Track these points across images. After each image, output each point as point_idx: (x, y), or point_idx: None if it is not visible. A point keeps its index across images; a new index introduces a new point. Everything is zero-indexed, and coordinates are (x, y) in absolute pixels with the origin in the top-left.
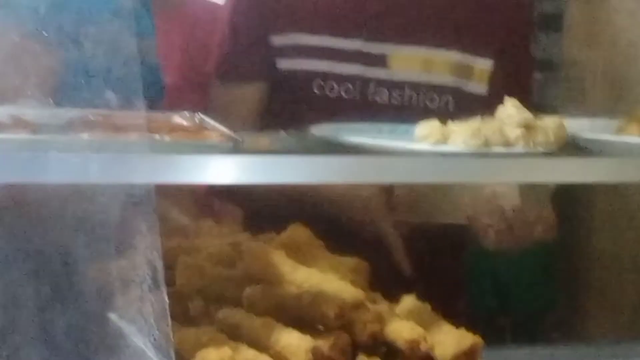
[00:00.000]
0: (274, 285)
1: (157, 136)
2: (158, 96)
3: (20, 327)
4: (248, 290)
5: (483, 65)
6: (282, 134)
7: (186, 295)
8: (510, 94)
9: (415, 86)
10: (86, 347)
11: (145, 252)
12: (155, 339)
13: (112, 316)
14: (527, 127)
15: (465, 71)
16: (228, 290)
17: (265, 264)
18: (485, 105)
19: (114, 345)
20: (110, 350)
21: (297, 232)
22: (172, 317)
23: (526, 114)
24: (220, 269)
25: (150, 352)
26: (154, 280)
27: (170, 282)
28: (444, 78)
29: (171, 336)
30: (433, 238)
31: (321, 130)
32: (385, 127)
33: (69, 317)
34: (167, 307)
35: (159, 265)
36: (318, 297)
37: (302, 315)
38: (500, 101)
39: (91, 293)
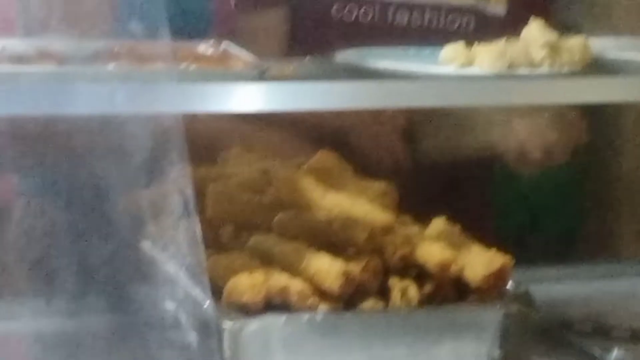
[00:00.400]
0: (304, 211)
1: (183, 65)
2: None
3: (57, 256)
4: (279, 216)
5: None
6: (307, 60)
7: (217, 223)
8: (529, 15)
9: (436, 7)
10: (121, 274)
11: (176, 180)
12: (188, 266)
13: (146, 244)
14: (552, 48)
15: None
16: (258, 217)
17: (294, 190)
18: (505, 27)
19: (148, 272)
20: (144, 277)
21: (326, 157)
22: (204, 244)
23: (551, 35)
24: (251, 195)
25: (184, 279)
26: (186, 207)
27: (201, 210)
28: None
29: (204, 262)
30: (461, 160)
31: (346, 55)
32: (411, 50)
33: (103, 246)
34: (199, 234)
35: (190, 193)
36: (348, 222)
37: (333, 240)
38: (518, 22)
39: (124, 222)
